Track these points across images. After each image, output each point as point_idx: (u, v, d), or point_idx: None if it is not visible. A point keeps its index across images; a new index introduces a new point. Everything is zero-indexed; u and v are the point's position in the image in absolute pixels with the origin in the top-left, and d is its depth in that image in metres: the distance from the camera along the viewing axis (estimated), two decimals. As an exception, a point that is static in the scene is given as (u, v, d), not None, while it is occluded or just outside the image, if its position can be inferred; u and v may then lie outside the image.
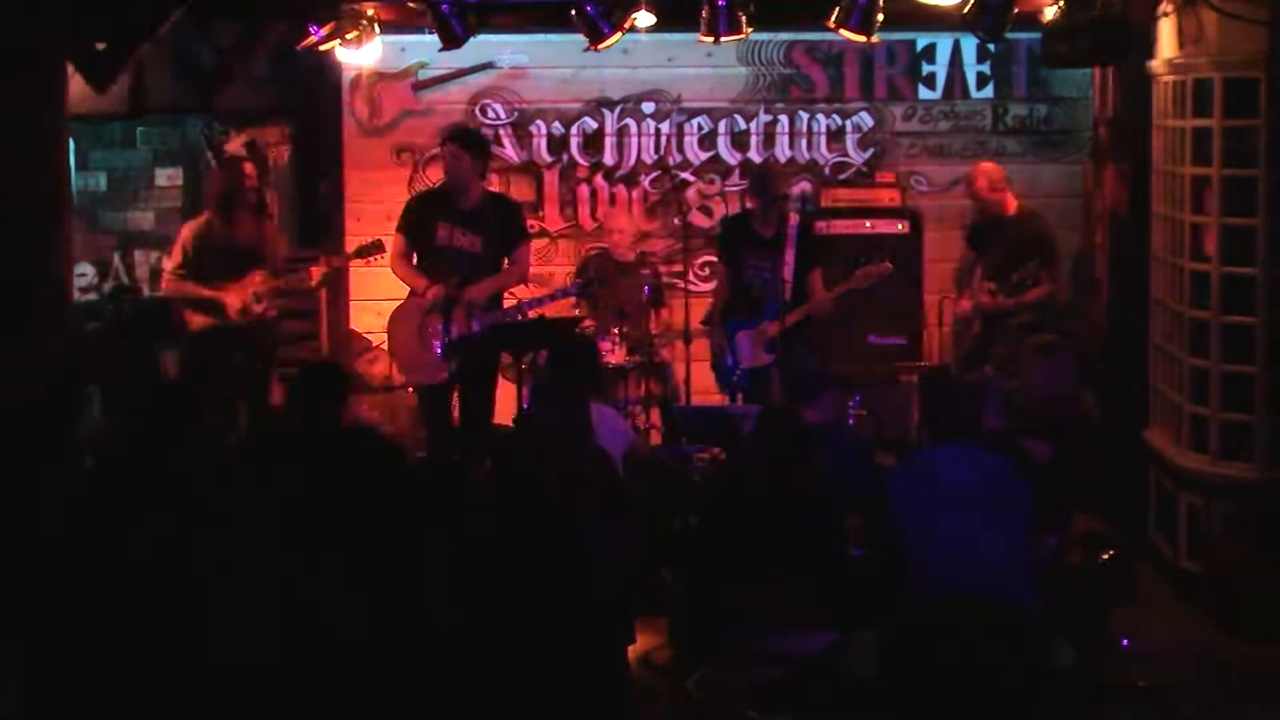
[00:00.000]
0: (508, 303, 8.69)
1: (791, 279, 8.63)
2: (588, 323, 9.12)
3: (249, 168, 8.80)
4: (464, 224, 8.42)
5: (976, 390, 6.54)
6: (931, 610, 5.46)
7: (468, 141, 8.51)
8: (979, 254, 9.11)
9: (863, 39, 7.71)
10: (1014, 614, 5.45)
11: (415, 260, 8.54)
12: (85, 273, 9.68)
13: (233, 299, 8.47)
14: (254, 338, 8.48)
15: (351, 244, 9.34)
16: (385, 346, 9.15)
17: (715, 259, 9.51)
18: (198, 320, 8.50)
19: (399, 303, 8.63)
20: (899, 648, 5.45)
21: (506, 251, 8.54)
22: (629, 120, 10.10)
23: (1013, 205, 9.04)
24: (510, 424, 8.56)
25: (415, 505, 5.69)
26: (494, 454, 7.59)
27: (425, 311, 8.39)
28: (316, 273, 8.65)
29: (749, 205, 9.30)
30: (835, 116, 10.12)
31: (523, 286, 9.00)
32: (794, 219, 8.79)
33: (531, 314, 8.62)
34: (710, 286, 9.60)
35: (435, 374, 8.38)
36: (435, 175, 9.81)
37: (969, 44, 9.97)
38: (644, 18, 7.83)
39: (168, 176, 9.93)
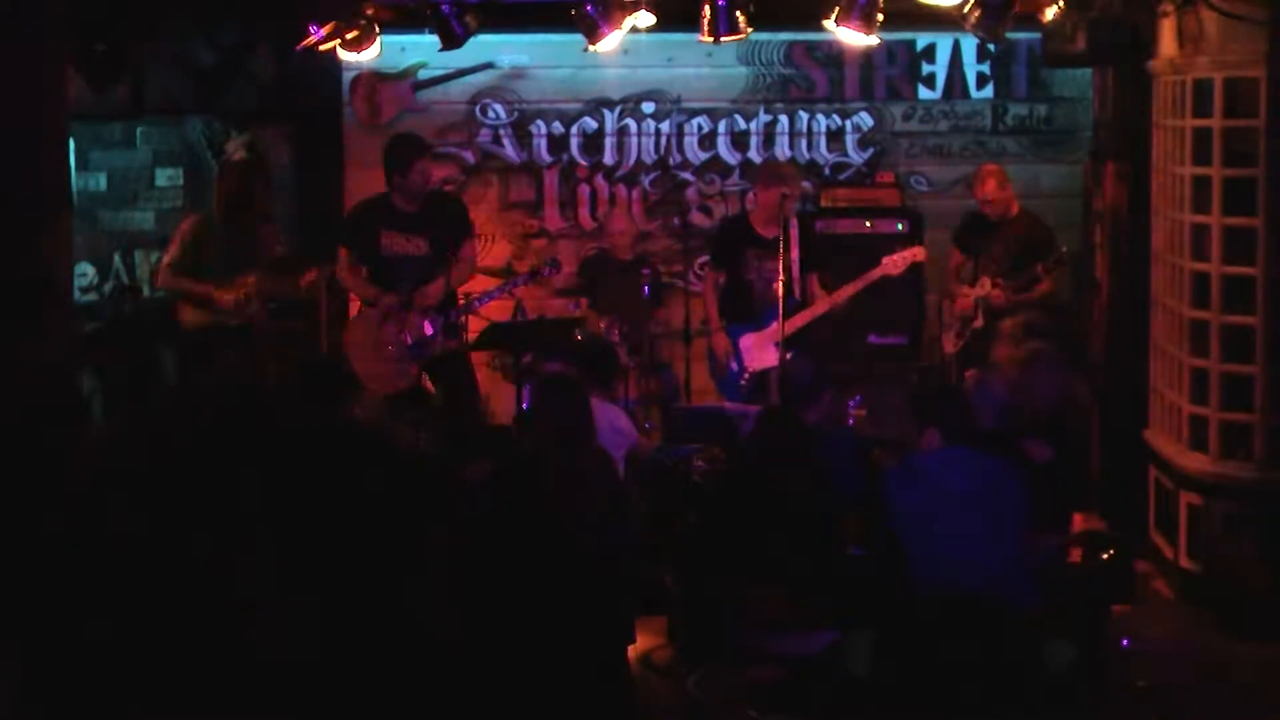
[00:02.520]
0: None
1: (799, 278, 8.66)
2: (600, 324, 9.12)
3: (259, 184, 8.82)
4: (407, 229, 8.44)
5: (966, 393, 6.54)
6: (929, 609, 5.46)
7: (433, 154, 8.58)
8: (971, 253, 9.10)
9: (862, 39, 7.70)
10: (1011, 613, 5.45)
11: (364, 271, 8.54)
12: (85, 273, 9.68)
13: (226, 298, 8.48)
14: (247, 337, 8.49)
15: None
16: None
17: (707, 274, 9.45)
18: (191, 317, 8.51)
19: (354, 314, 8.64)
20: (896, 647, 5.46)
21: (454, 250, 8.53)
22: (629, 120, 10.10)
23: (1015, 206, 9.04)
24: (510, 424, 8.56)
25: (414, 503, 5.68)
26: (494, 454, 7.59)
27: (379, 321, 8.41)
28: (312, 274, 8.66)
29: (751, 204, 9.28)
30: (835, 116, 10.12)
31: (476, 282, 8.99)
32: (794, 221, 8.80)
33: (483, 308, 8.62)
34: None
35: (395, 383, 8.40)
36: (436, 175, 9.81)
37: (969, 44, 9.97)
38: (644, 18, 7.82)
39: (168, 176, 9.93)
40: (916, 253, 8.79)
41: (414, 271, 8.40)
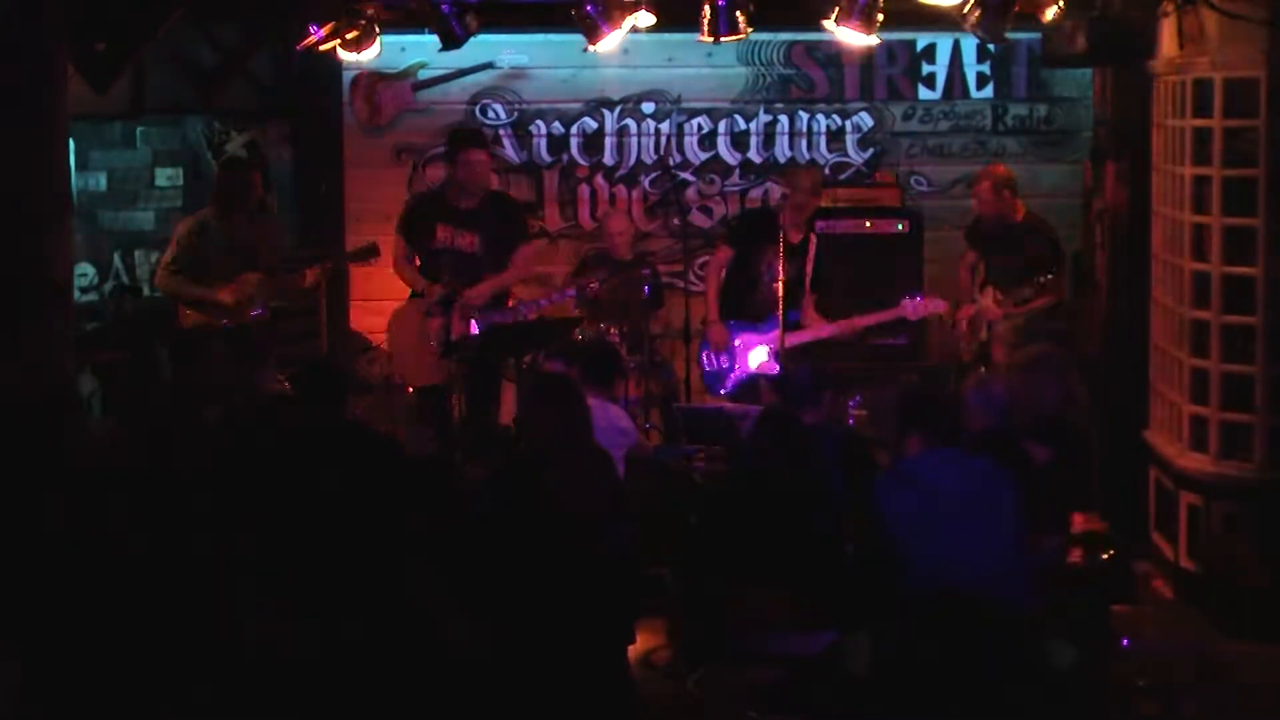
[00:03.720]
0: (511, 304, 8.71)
1: (809, 291, 8.68)
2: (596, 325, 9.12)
3: (256, 176, 8.82)
4: (463, 225, 8.44)
5: (956, 398, 6.53)
6: (928, 609, 5.46)
7: (486, 145, 8.60)
8: (981, 254, 9.09)
9: (862, 39, 7.70)
10: (1006, 612, 5.44)
11: (416, 262, 8.58)
12: (85, 273, 9.67)
13: (226, 298, 8.48)
14: (244, 336, 8.47)
15: (351, 244, 9.37)
16: (385, 346, 9.16)
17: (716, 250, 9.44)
18: (191, 316, 8.51)
19: (400, 303, 8.66)
20: (896, 647, 5.45)
21: (507, 251, 8.54)
22: (629, 120, 10.10)
23: (1021, 211, 8.98)
24: (511, 424, 8.56)
25: (411, 501, 5.67)
26: (495, 453, 7.59)
27: (425, 313, 8.40)
28: (312, 274, 8.66)
29: (782, 203, 9.16)
30: (835, 116, 10.12)
31: (522, 288, 9.03)
32: (814, 236, 8.79)
33: (530, 315, 8.64)
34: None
35: (435, 375, 8.39)
36: (435, 175, 9.82)
37: (969, 44, 9.97)
38: (644, 18, 7.82)
39: (168, 176, 9.92)
40: (939, 305, 8.77)
41: (463, 267, 8.39)
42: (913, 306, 8.72)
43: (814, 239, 8.72)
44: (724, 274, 9.05)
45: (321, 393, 6.43)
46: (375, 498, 5.71)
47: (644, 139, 10.11)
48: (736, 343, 8.88)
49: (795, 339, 8.63)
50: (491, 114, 10.07)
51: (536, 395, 6.68)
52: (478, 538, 5.89)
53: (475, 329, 8.35)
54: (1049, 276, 8.61)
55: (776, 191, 9.17)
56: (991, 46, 9.75)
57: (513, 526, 5.89)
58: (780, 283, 8.50)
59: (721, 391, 8.87)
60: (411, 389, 8.88)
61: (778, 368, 8.35)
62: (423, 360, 8.43)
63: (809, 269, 8.67)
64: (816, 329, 8.75)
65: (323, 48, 8.47)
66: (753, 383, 8.65)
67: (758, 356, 8.74)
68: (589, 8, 7.76)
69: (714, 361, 8.94)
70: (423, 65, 9.96)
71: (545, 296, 8.75)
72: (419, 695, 5.11)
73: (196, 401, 6.72)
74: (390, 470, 6.05)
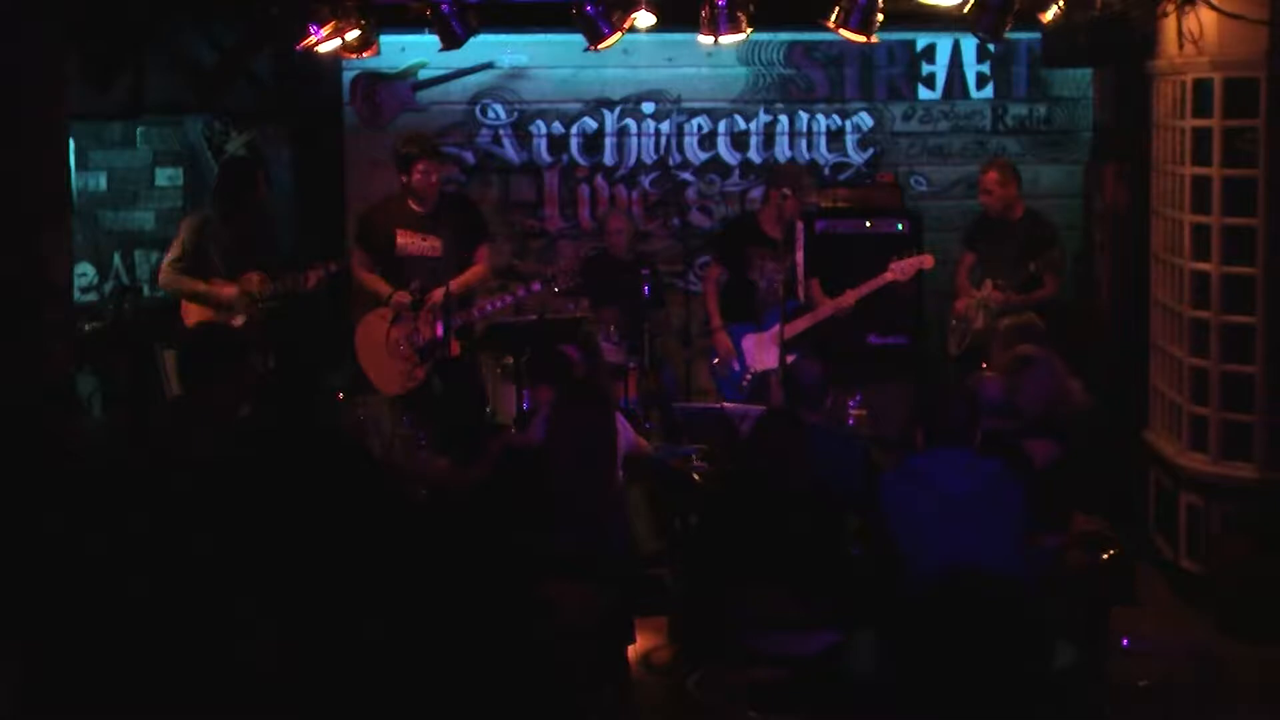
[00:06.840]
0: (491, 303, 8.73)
1: (803, 280, 8.67)
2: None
3: (258, 175, 8.82)
4: (422, 228, 8.45)
5: (970, 395, 6.55)
6: (927, 607, 5.45)
7: (438, 154, 8.61)
8: (979, 254, 9.10)
9: (862, 39, 7.70)
10: (1009, 611, 5.44)
11: (377, 271, 8.56)
12: (85, 273, 9.68)
13: (229, 297, 8.47)
14: (253, 338, 8.46)
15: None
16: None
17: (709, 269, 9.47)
18: (194, 315, 8.50)
19: (365, 315, 8.63)
20: (894, 647, 5.45)
21: (470, 251, 8.55)
22: (629, 120, 10.10)
23: (1020, 208, 9.02)
24: (511, 424, 8.56)
25: (379, 504, 5.61)
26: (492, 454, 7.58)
27: (390, 320, 8.41)
28: (315, 275, 8.65)
29: (762, 203, 9.19)
30: (835, 117, 10.12)
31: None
32: (800, 224, 8.80)
33: (490, 314, 8.64)
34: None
35: (405, 383, 8.39)
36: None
37: (969, 44, 9.98)
38: (644, 18, 7.82)
39: (168, 176, 9.93)
40: (924, 260, 8.79)
41: (428, 271, 8.40)
42: (900, 267, 8.72)
43: (800, 228, 8.71)
44: (721, 286, 9.05)
45: (293, 396, 6.30)
46: (344, 502, 5.68)
47: (644, 139, 10.11)
48: (742, 347, 8.88)
49: (794, 328, 8.62)
50: (491, 114, 10.07)
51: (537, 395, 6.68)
52: (475, 537, 5.88)
53: (440, 332, 8.35)
54: (1051, 254, 8.64)
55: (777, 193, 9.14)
56: (991, 46, 9.76)
57: (510, 526, 5.89)
58: (781, 281, 8.50)
59: (743, 384, 8.85)
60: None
61: (783, 360, 8.33)
62: (394, 369, 8.42)
63: (800, 258, 8.65)
64: (814, 313, 8.75)
65: (323, 48, 8.47)
66: (764, 381, 8.63)
67: (763, 354, 8.74)
68: (589, 8, 7.76)
69: (725, 369, 8.94)
70: (423, 65, 9.96)
71: (502, 300, 8.74)
72: (406, 696, 5.11)
73: (216, 406, 6.66)
74: (360, 475, 6.00)
